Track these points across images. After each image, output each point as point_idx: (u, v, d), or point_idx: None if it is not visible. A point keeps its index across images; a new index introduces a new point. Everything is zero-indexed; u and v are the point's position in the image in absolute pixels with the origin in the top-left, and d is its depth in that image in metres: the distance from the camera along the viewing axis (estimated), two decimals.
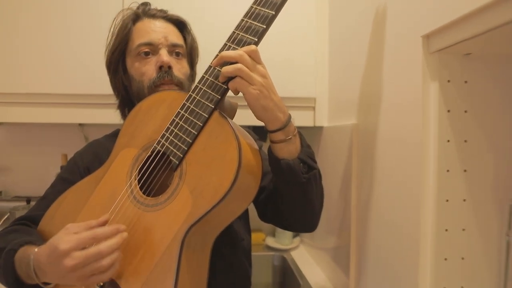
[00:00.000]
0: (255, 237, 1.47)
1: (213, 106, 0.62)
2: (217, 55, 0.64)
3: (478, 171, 0.64)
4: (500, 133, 0.64)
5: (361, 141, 0.94)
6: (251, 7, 0.64)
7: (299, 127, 0.69)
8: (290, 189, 0.68)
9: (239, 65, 0.59)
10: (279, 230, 1.50)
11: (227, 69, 0.60)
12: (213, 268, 0.65)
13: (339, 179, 1.06)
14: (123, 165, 0.67)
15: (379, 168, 0.83)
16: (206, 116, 0.61)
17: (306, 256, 1.39)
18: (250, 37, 0.63)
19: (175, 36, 0.81)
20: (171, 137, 0.63)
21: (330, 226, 1.14)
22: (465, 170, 0.64)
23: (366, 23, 0.89)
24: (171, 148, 0.63)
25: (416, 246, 0.65)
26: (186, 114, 0.63)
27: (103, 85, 0.89)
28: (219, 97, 0.62)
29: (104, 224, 0.58)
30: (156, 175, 0.65)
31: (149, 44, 0.78)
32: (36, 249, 0.60)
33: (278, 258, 1.41)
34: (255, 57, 0.61)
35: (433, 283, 0.64)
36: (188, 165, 0.61)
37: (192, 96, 0.64)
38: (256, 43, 0.62)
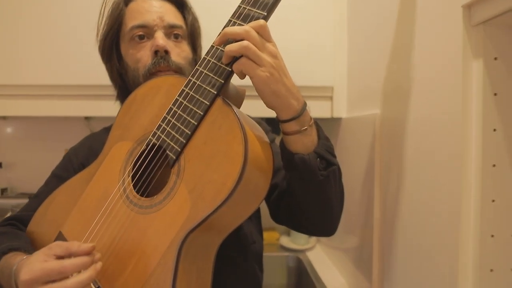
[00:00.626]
0: (268, 236, 1.39)
1: (215, 92, 0.53)
2: (221, 33, 0.55)
3: None
4: None
5: (385, 132, 0.84)
6: None
7: (314, 119, 0.60)
8: (306, 188, 0.60)
9: (245, 43, 0.50)
10: None
11: (231, 47, 0.51)
12: (218, 277, 0.57)
13: (360, 175, 0.96)
14: (116, 161, 0.60)
15: (408, 163, 0.73)
16: (208, 103, 0.53)
17: (323, 257, 1.30)
18: (258, 11, 0.54)
19: (172, 16, 0.72)
20: (167, 128, 0.55)
21: (350, 225, 1.05)
22: None
23: None
24: (168, 141, 0.54)
25: (455, 254, 0.56)
26: (184, 102, 0.55)
27: None
28: (223, 81, 0.53)
29: (88, 253, 0.49)
30: (151, 172, 0.57)
31: (143, 26, 0.69)
32: (20, 260, 0.53)
33: (293, 259, 1.33)
34: (264, 34, 0.52)
35: None
36: (187, 160, 0.52)
37: (192, 81, 0.56)
38: (265, 18, 0.53)
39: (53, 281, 0.46)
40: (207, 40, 0.73)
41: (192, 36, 0.76)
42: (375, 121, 0.88)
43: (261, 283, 0.75)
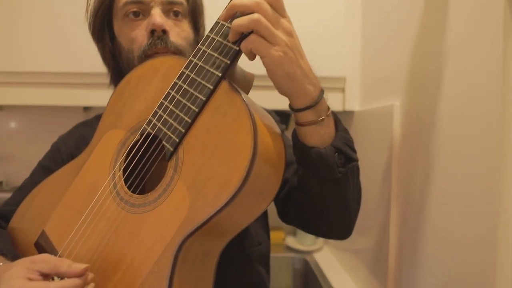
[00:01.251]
0: (274, 236, 1.31)
1: (220, 75, 0.46)
2: (227, 6, 0.48)
3: None
4: None
5: (405, 125, 0.77)
6: None
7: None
8: (321, 185, 0.53)
9: (256, 16, 0.43)
10: None
11: (239, 21, 0.44)
12: (221, 280, 0.50)
13: (375, 172, 0.89)
14: (107, 151, 0.53)
15: (433, 159, 0.65)
16: (211, 87, 0.46)
17: (332, 259, 1.23)
18: None
19: None
20: (165, 116, 0.48)
21: (362, 225, 0.98)
22: None
23: None
24: (165, 130, 0.48)
25: (492, 267, 0.48)
26: (184, 86, 0.48)
27: None
28: (229, 62, 0.46)
29: (80, 275, 0.42)
30: (145, 165, 0.51)
31: (137, 1, 0.61)
32: None
33: (299, 261, 1.27)
34: (277, 7, 0.45)
35: None
36: (186, 152, 0.45)
37: (193, 62, 0.49)
38: None
39: None
40: (211, 19, 0.66)
41: (194, 13, 0.68)
42: (392, 113, 0.81)
43: (267, 287, 0.69)
